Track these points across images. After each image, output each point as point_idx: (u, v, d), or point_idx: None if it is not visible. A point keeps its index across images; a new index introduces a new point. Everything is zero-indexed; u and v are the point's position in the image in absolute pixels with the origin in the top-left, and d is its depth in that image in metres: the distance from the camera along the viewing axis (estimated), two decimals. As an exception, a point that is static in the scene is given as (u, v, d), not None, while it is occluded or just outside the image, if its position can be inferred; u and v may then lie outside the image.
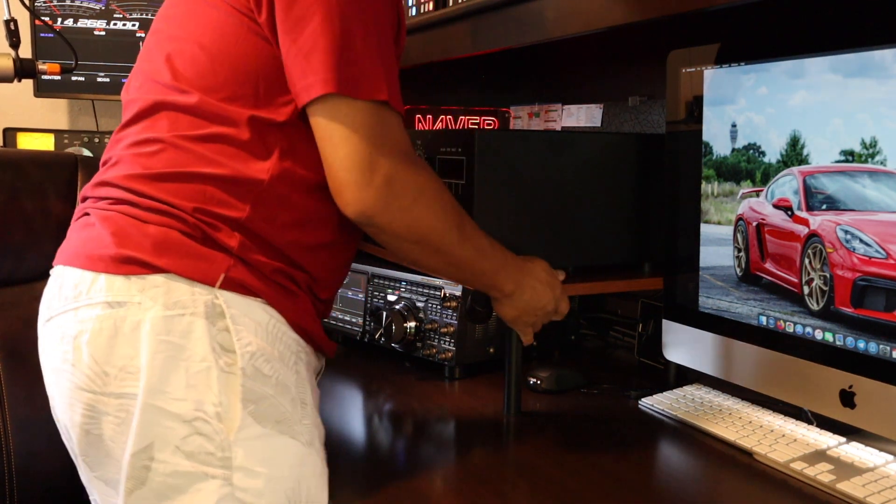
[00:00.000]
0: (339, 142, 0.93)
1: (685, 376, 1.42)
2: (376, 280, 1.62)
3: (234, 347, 0.92)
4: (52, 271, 1.01)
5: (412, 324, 1.51)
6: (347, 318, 1.66)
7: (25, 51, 2.25)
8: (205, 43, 0.99)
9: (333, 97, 0.93)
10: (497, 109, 2.13)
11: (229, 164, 0.96)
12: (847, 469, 1.05)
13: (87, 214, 1.01)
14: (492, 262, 1.09)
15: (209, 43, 0.99)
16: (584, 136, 1.69)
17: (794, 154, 1.16)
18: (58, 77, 2.36)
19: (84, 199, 1.05)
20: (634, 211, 1.41)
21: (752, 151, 1.23)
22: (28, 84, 2.37)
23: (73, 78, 2.37)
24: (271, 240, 0.98)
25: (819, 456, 1.09)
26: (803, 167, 1.15)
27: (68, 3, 2.36)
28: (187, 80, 0.99)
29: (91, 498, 1.04)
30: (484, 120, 2.11)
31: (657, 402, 1.32)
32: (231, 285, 0.94)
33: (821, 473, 1.04)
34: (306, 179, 0.99)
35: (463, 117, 2.08)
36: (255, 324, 0.95)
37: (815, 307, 1.14)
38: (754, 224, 1.24)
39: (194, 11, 1.02)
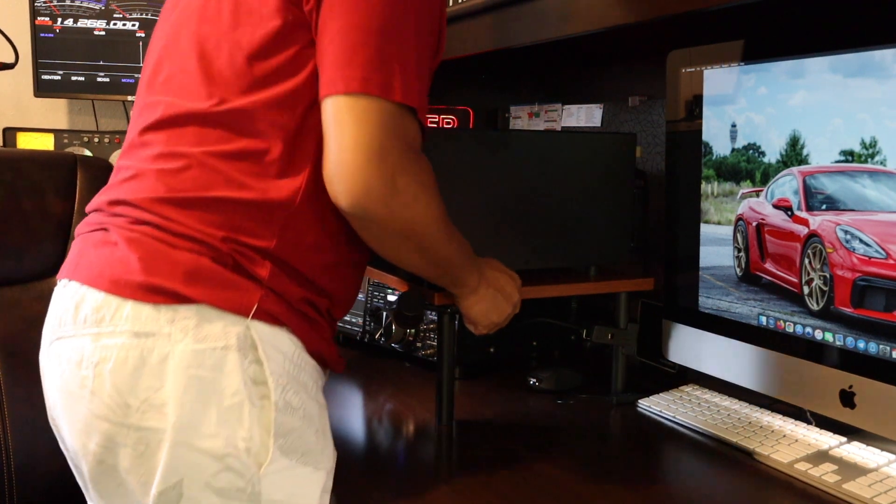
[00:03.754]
0: (350, 124, 0.90)
1: (684, 376, 1.42)
2: (376, 280, 1.61)
3: (266, 380, 0.90)
4: (61, 285, 0.97)
5: (412, 324, 1.51)
6: (347, 318, 1.66)
7: (25, 50, 2.25)
8: (243, 43, 0.95)
9: (357, 94, 0.90)
10: (458, 108, 2.11)
11: (257, 185, 0.93)
12: (851, 469, 1.05)
13: (105, 230, 0.96)
14: (464, 257, 1.08)
15: (247, 43, 0.94)
16: (521, 134, 1.67)
17: (794, 154, 1.16)
18: (58, 76, 2.36)
19: (97, 210, 1.00)
20: (578, 213, 1.35)
21: (751, 151, 1.23)
22: (28, 84, 2.37)
23: (73, 78, 2.37)
24: (298, 266, 0.96)
25: (822, 456, 1.09)
26: (803, 167, 1.15)
27: (68, 3, 2.36)
28: (222, 84, 0.95)
29: None
30: (443, 118, 2.09)
31: (656, 404, 1.32)
32: (261, 315, 0.91)
33: (825, 474, 1.04)
34: None
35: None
36: (282, 355, 0.93)
37: (814, 307, 1.14)
38: (754, 224, 1.24)
39: (233, 6, 0.97)
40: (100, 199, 1.00)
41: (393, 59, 0.92)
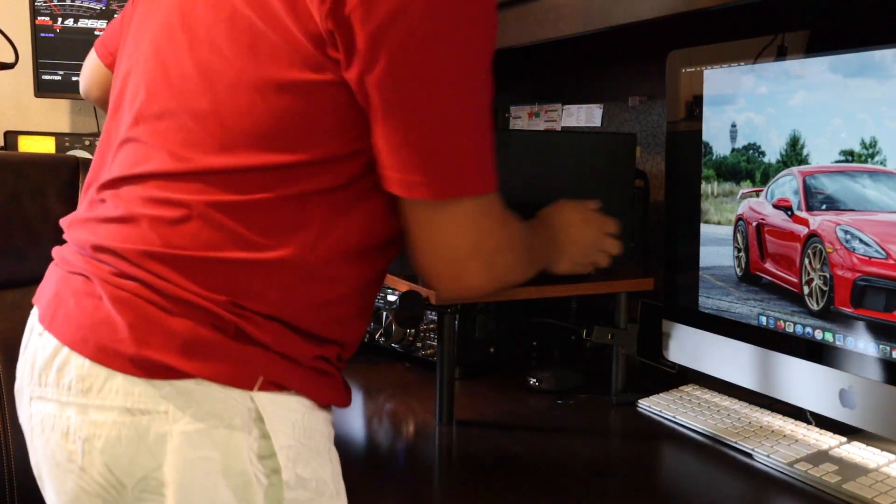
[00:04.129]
0: (440, 232, 0.85)
1: (684, 376, 1.42)
2: (376, 280, 1.61)
3: (275, 454, 0.82)
4: (37, 331, 0.88)
5: (412, 324, 1.51)
6: (348, 319, 1.66)
7: (25, 50, 2.25)
8: (266, 92, 0.82)
9: (443, 201, 0.84)
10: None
11: (267, 243, 0.83)
12: (852, 469, 1.05)
13: (86, 277, 0.86)
14: (540, 251, 1.08)
15: (272, 94, 0.82)
16: (521, 134, 1.66)
17: (794, 154, 1.16)
18: (58, 77, 2.36)
19: (78, 246, 0.89)
20: None
21: (751, 151, 1.23)
22: (28, 84, 2.37)
23: (74, 78, 2.37)
24: (309, 327, 0.87)
25: (822, 456, 1.09)
26: (803, 167, 1.15)
27: (68, 3, 2.36)
28: (234, 136, 0.83)
29: None
30: None
31: (656, 404, 1.32)
32: (266, 386, 0.83)
33: (825, 474, 1.03)
34: (356, 244, 0.88)
35: None
36: (291, 425, 0.85)
37: (814, 307, 1.14)
38: (754, 224, 1.24)
39: (254, 45, 0.82)
40: (79, 234, 0.90)
41: (469, 152, 0.85)
